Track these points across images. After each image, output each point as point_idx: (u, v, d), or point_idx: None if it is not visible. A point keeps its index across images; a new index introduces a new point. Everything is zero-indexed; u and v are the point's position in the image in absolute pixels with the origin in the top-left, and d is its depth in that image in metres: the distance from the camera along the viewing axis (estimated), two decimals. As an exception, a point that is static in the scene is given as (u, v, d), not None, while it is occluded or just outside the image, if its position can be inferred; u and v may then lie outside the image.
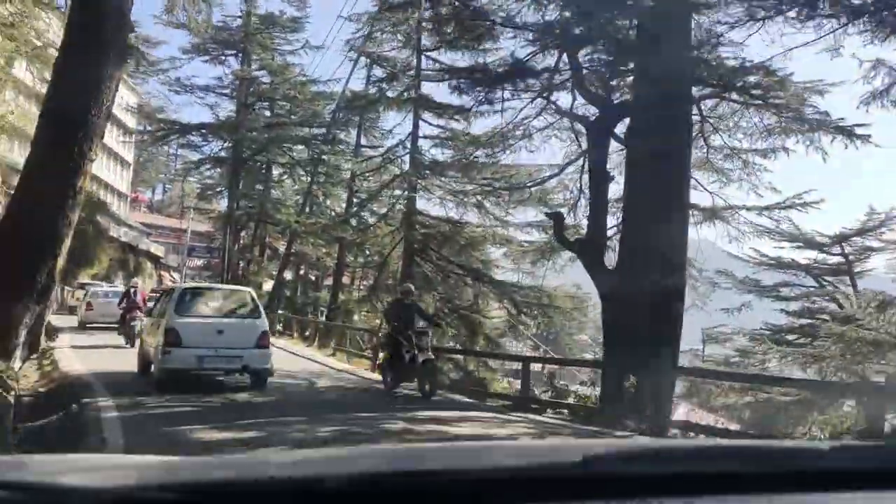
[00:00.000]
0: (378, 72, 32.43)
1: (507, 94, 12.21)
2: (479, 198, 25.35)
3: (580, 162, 12.52)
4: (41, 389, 10.28)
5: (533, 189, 14.72)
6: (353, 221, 37.68)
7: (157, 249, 61.41)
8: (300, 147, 42.39)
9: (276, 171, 44.31)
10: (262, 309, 11.93)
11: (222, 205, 46.81)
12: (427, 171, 26.79)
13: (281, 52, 41.52)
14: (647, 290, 8.79)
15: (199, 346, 10.61)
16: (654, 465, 1.33)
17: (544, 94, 11.76)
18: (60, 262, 8.87)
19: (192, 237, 67.54)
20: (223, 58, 41.04)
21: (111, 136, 57.42)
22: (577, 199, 12.89)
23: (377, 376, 14.35)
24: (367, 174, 38.86)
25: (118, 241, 49.38)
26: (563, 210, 12.86)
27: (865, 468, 1.41)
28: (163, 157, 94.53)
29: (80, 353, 16.33)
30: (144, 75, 65.16)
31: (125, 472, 1.28)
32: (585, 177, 12.10)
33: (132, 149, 66.01)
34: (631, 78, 10.86)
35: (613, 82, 11.25)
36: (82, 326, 23.78)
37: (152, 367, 11.22)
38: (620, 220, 9.71)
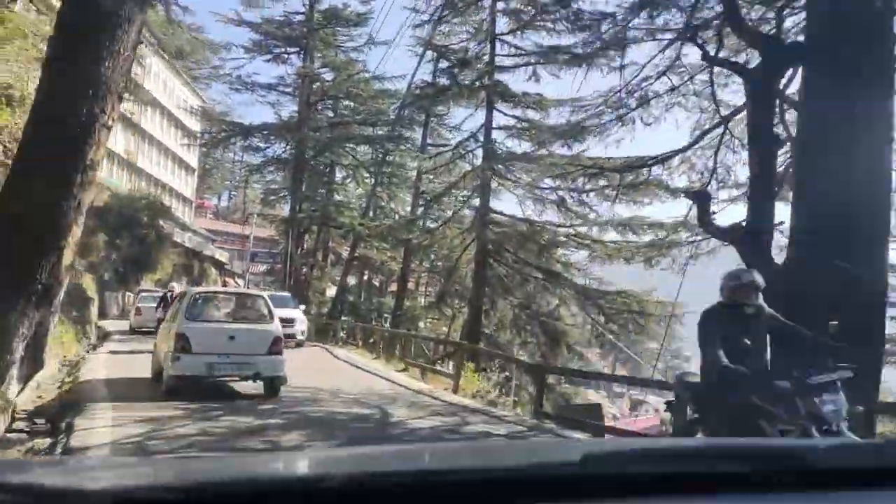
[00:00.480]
0: (445, 65, 30.60)
1: (627, 47, 9.79)
2: (559, 194, 22.94)
3: (716, 133, 10.07)
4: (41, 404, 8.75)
5: (646, 173, 12.02)
6: (420, 223, 35.96)
7: (222, 255, 60.77)
8: (364, 147, 40.80)
9: (339, 174, 42.83)
10: (275, 314, 11.39)
11: (285, 210, 45.80)
12: (500, 166, 24.52)
13: (344, 49, 39.94)
14: (834, 282, 6.29)
15: (209, 353, 10.23)
16: (653, 466, 1.32)
17: (683, 36, 9.26)
18: (68, 255, 6.92)
19: (255, 243, 66.96)
20: (285, 56, 39.70)
21: (173, 139, 57.17)
22: (709, 180, 10.40)
23: (468, 401, 12.01)
24: (435, 172, 36.88)
25: (182, 247, 48.59)
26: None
27: (864, 467, 1.42)
28: (228, 164, 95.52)
29: (113, 359, 15.44)
30: (208, 80, 64.95)
31: (125, 474, 1.32)
32: (719, 153, 9.73)
33: (196, 153, 65.75)
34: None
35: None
36: (132, 331, 22.62)
37: (163, 373, 10.78)
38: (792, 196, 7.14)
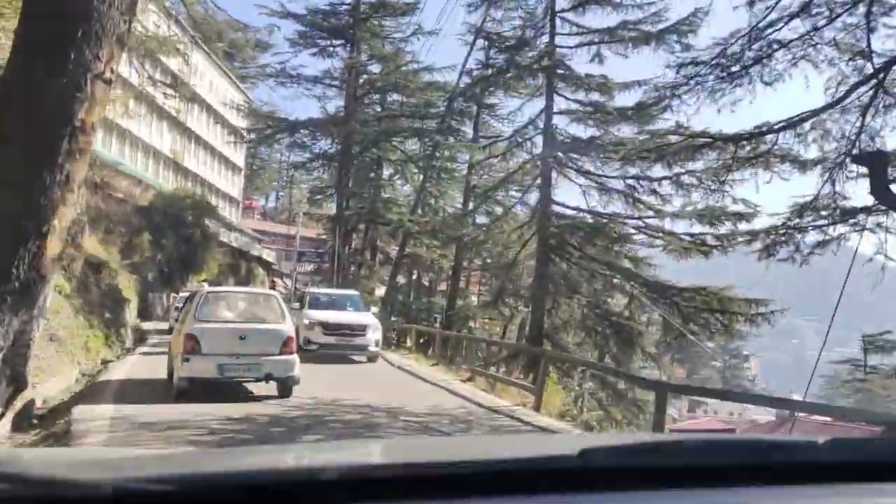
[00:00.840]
0: (498, 55, 28.86)
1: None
2: (628, 182, 20.94)
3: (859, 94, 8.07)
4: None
5: (769, 141, 9.88)
6: (471, 218, 34.27)
7: (269, 255, 59.99)
8: (412, 141, 39.25)
9: (386, 170, 41.39)
10: (287, 312, 11.23)
11: (332, 208, 44.60)
12: (561, 155, 22.60)
13: (392, 40, 38.42)
14: None
15: (219, 353, 10.04)
16: (649, 459, 1.35)
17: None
18: (54, 243, 5.35)
19: (302, 243, 66.12)
20: (331, 48, 38.32)
21: (219, 139, 56.53)
22: (850, 147, 8.34)
23: (559, 423, 10.02)
24: (488, 164, 35.02)
25: (228, 246, 47.77)
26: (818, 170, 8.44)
27: (859, 460, 1.44)
28: (275, 165, 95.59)
29: (139, 361, 14.77)
30: (255, 79, 64.19)
31: (123, 465, 1.33)
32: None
33: (242, 152, 65.16)
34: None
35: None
36: (170, 331, 21.36)
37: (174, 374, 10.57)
38: None
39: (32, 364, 6.79)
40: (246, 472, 1.21)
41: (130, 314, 20.14)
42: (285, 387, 10.54)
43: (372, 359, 17.45)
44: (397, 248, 38.48)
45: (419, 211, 36.32)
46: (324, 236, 64.97)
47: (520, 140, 25.07)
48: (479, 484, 1.18)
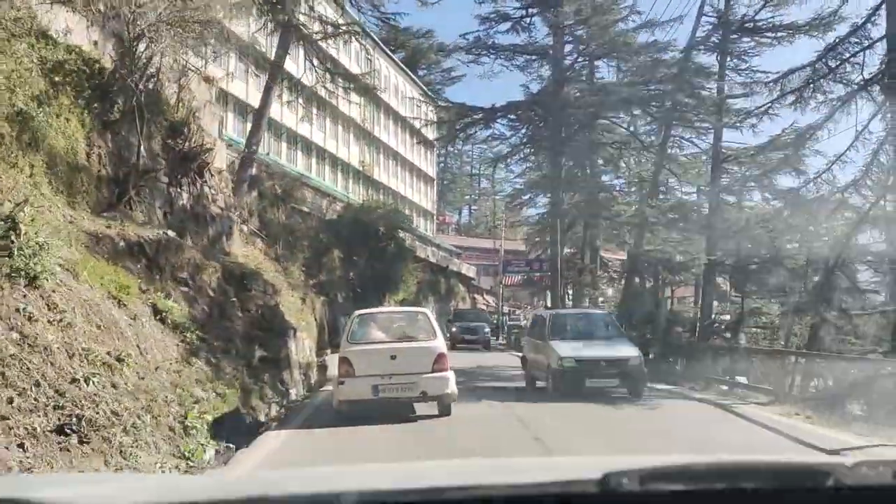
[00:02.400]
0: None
1: None
2: None
3: None
4: None
5: None
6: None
7: (469, 270, 54.98)
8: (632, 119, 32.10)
9: (602, 155, 34.49)
10: (438, 329, 10.98)
11: (531, 214, 38.81)
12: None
13: (600, -6, 31.56)
14: None
15: (372, 375, 10.03)
16: (674, 483, 1.33)
17: None
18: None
19: (504, 254, 61.73)
20: (527, 18, 32.09)
21: (408, 148, 52.55)
22: None
23: None
24: (748, 125, 26.89)
25: (425, 262, 43.03)
26: None
27: (888, 484, 1.41)
28: (465, 178, 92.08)
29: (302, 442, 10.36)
30: (441, 85, 60.08)
31: (139, 490, 1.37)
32: None
33: (434, 162, 61.13)
34: None
35: None
36: None
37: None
38: None
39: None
40: (272, 497, 1.23)
41: (301, 348, 14.76)
42: (443, 405, 10.41)
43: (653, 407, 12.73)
44: (628, 245, 31.74)
45: (652, 199, 28.99)
46: (522, 247, 59.34)
47: (831, 65, 17.03)
48: None
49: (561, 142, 31.20)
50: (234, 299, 11.25)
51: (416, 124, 46.23)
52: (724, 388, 16.49)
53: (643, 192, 32.20)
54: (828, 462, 1.59)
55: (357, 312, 11.73)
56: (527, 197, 41.39)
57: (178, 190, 10.97)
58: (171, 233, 9.68)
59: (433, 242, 50.15)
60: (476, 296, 58.47)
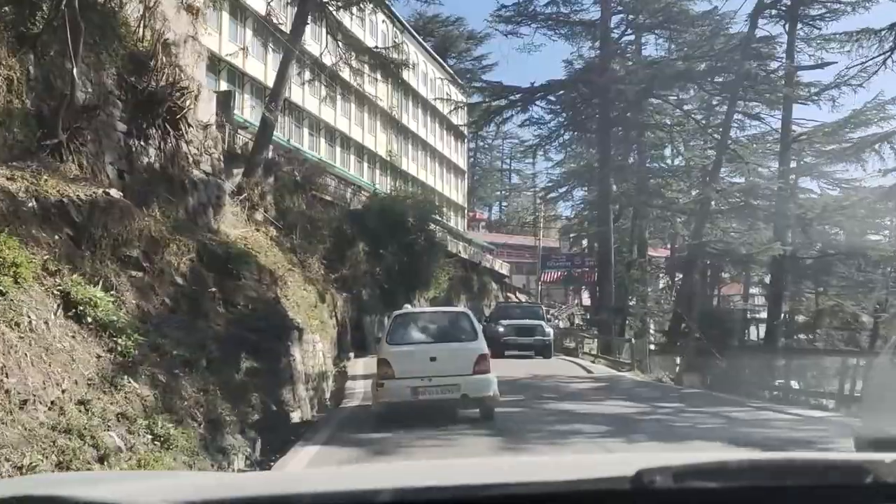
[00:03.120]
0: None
1: None
2: None
3: None
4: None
5: None
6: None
7: (503, 267, 52.12)
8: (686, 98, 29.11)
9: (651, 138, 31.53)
10: (479, 330, 10.73)
11: (567, 205, 35.74)
12: None
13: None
14: None
15: (412, 377, 9.69)
16: (709, 481, 1.30)
17: None
18: None
19: (533, 253, 59.20)
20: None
21: (437, 138, 49.87)
22: None
23: None
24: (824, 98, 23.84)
25: (457, 257, 40.30)
26: None
27: None
28: (496, 173, 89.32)
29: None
30: (471, 74, 57.34)
31: (171, 488, 1.35)
32: None
33: (464, 153, 58.38)
34: None
35: None
36: None
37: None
38: None
39: None
40: (305, 494, 1.23)
41: (311, 353, 11.88)
42: (485, 409, 10.08)
43: None
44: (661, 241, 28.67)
45: (711, 181, 25.95)
46: (553, 244, 56.68)
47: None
48: None
49: (608, 123, 28.29)
50: (214, 289, 8.57)
51: (446, 108, 43.66)
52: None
53: (697, 179, 29.24)
54: (867, 458, 1.34)
55: (396, 313, 11.54)
56: (563, 190, 38.52)
57: (142, 144, 8.31)
58: (114, 192, 6.96)
59: (464, 237, 47.36)
60: (509, 294, 55.53)
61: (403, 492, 1.19)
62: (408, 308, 13.08)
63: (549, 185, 41.15)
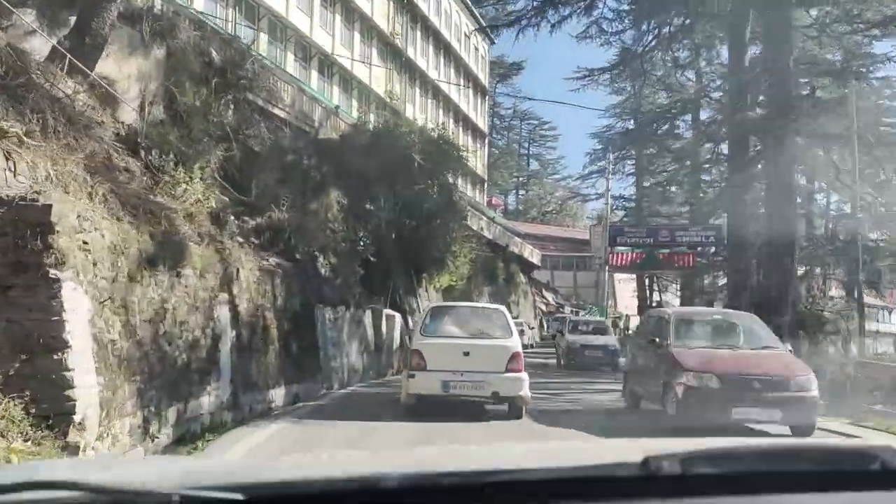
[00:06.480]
0: None
1: None
2: None
3: None
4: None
5: None
6: None
7: (534, 255, 41.11)
8: None
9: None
10: (514, 328, 10.76)
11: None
12: None
13: None
14: None
15: (444, 370, 9.88)
16: (716, 466, 1.31)
17: None
18: None
19: (555, 245, 51.86)
20: None
21: (453, 90, 39.07)
22: None
23: None
24: None
25: (478, 234, 29.41)
26: None
27: None
28: (514, 158, 79.52)
29: None
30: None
31: (190, 473, 1.32)
32: None
33: (485, 111, 47.40)
34: None
35: None
36: None
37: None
38: None
39: None
40: (316, 479, 1.22)
41: None
42: (514, 407, 10.12)
43: None
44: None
45: None
46: (579, 236, 47.24)
47: None
48: (537, 492, 1.18)
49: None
50: None
51: (466, 39, 32.81)
52: None
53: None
54: (876, 445, 1.36)
55: (431, 305, 12.34)
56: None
57: None
58: None
59: (485, 213, 36.35)
60: (533, 289, 44.91)
61: (410, 477, 1.19)
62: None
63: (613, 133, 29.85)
